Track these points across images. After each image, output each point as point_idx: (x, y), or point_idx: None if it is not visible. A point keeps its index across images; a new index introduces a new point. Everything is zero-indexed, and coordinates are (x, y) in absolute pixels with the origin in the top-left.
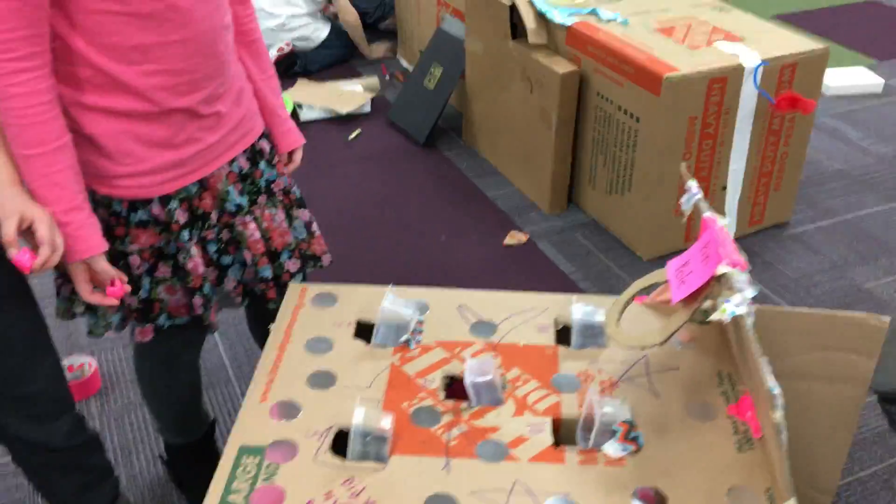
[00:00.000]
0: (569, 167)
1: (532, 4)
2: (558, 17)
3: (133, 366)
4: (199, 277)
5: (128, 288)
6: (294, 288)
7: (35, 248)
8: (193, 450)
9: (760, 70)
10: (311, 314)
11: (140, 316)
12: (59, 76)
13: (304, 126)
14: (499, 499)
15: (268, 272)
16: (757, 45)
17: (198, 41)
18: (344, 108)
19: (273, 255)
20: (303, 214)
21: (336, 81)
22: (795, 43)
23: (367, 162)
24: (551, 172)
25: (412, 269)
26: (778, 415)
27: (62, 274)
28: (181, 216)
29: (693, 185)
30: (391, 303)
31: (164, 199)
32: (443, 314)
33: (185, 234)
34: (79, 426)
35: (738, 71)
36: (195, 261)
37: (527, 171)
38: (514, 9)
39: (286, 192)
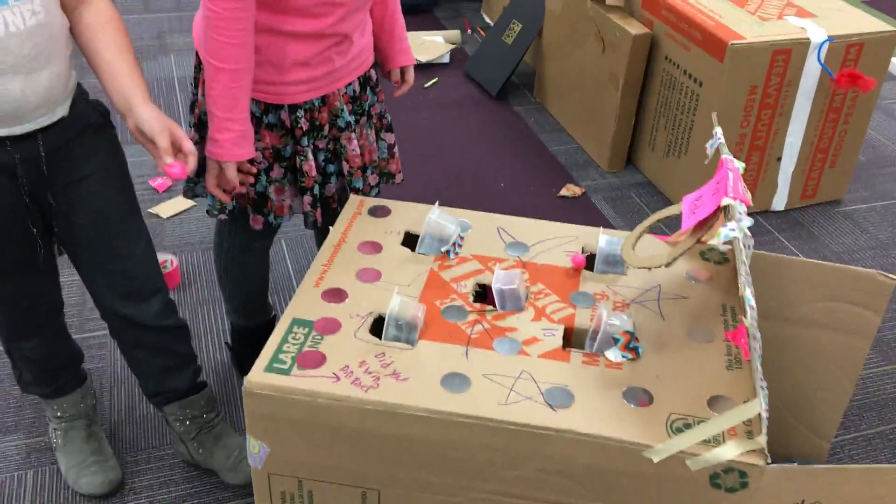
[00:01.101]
0: (631, 128)
1: None
2: None
3: (211, 264)
4: (311, 178)
5: (242, 189)
6: (353, 199)
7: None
8: (255, 334)
9: (826, 46)
10: (366, 222)
11: (255, 206)
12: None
13: None
14: (506, 382)
15: (360, 183)
16: (827, 21)
17: None
18: (424, 57)
19: (362, 169)
20: (389, 137)
21: (418, 32)
22: (865, 23)
23: (440, 109)
24: (613, 131)
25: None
26: (748, 321)
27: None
28: (304, 124)
29: (718, 130)
30: (437, 217)
31: (293, 108)
32: (482, 233)
33: (305, 140)
34: (169, 309)
35: (803, 45)
36: (310, 163)
37: (590, 128)
38: None
39: (380, 116)
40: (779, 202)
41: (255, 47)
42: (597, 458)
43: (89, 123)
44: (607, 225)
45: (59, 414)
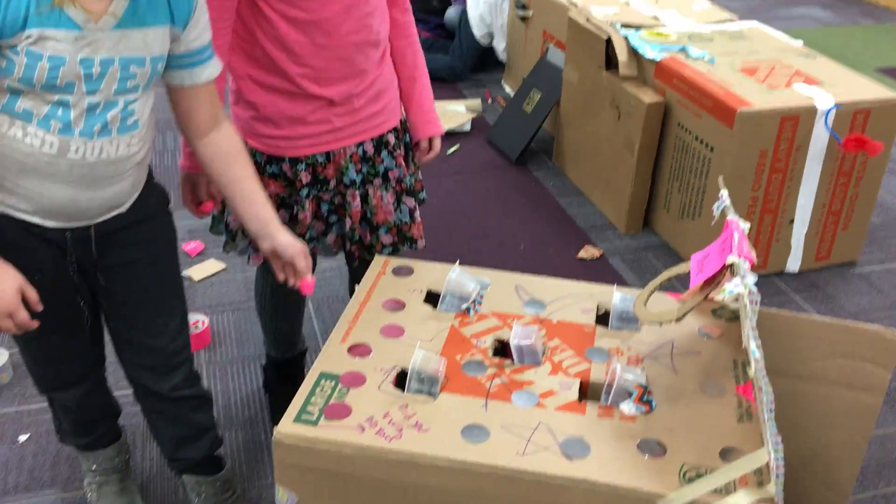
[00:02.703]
0: (647, 191)
1: (626, 40)
2: (650, 52)
3: (240, 325)
4: (304, 226)
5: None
6: (378, 259)
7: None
8: (286, 365)
9: (833, 112)
10: (390, 280)
11: (256, 246)
12: (238, 52)
13: None
14: (524, 433)
15: (357, 237)
16: (834, 89)
17: (339, 49)
18: (446, 125)
19: (374, 228)
20: (409, 202)
21: (441, 101)
22: (871, 91)
23: (462, 175)
24: (630, 195)
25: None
26: (752, 371)
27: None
28: (304, 177)
29: (724, 193)
30: (457, 275)
31: (294, 161)
32: (501, 291)
33: (305, 192)
34: (190, 381)
35: (810, 111)
36: (305, 213)
37: (607, 192)
38: (609, 42)
39: (399, 180)
40: (793, 264)
41: (252, 103)
42: None
43: (146, 213)
44: (625, 285)
45: (93, 468)
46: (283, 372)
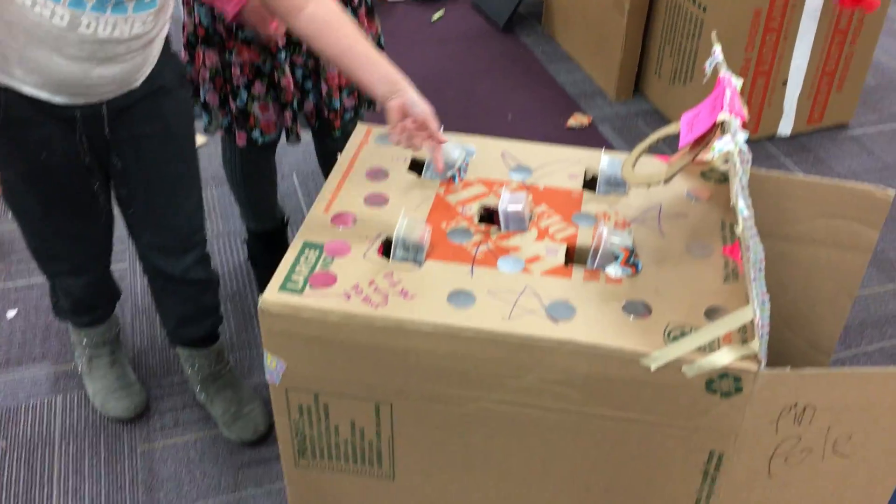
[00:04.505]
0: (637, 55)
1: None
2: None
3: (223, 199)
4: (289, 92)
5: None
6: (361, 128)
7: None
8: (268, 238)
9: None
10: (373, 149)
11: (238, 122)
12: None
13: (390, 6)
14: (510, 298)
15: (337, 104)
16: None
17: None
18: None
19: (339, 90)
20: None
21: None
22: None
23: (447, 42)
24: (620, 59)
25: None
26: (739, 230)
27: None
28: (279, 40)
29: (717, 49)
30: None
31: None
32: (487, 158)
33: (282, 55)
34: (202, 264)
35: None
36: (288, 78)
37: (597, 57)
38: None
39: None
40: (785, 127)
41: None
42: (596, 368)
43: (161, 85)
44: None
45: (84, 342)
46: (266, 244)
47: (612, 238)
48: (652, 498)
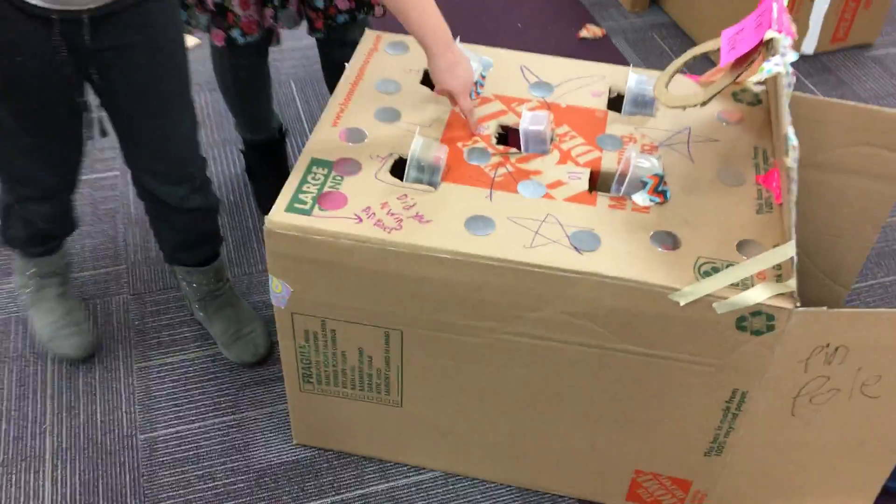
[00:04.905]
0: None
1: None
2: None
3: (215, 105)
4: None
5: None
6: (370, 34)
7: None
8: (265, 149)
9: None
10: (384, 59)
11: (216, 20)
12: None
13: None
14: (531, 225)
15: (320, 3)
16: None
17: None
18: None
19: None
20: None
21: None
22: None
23: None
24: None
25: None
26: (789, 160)
27: None
28: None
29: None
30: None
31: None
32: (505, 72)
33: None
34: (199, 192)
35: None
36: None
37: None
38: None
39: None
40: (808, 45)
41: None
42: (622, 301)
43: None
44: None
45: (33, 270)
46: (263, 155)
47: (641, 163)
48: (669, 433)
